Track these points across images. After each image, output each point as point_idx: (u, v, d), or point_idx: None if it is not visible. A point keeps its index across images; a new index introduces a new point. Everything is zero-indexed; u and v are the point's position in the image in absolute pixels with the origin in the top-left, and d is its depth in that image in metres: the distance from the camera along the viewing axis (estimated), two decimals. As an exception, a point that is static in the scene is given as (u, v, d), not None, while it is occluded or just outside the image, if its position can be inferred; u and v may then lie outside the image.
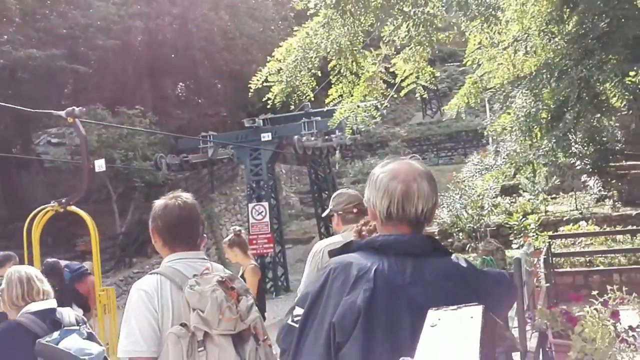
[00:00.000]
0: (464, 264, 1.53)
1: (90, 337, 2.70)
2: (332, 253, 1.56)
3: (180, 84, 27.39)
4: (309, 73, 6.39)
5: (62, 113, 8.45)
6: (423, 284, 1.42)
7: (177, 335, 1.97)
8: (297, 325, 1.44)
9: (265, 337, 2.18)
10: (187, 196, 2.31)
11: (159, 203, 2.33)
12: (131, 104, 19.60)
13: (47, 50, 18.75)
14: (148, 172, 18.37)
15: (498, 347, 1.04)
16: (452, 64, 31.53)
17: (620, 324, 3.16)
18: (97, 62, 21.81)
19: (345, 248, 1.56)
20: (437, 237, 13.19)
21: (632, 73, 4.47)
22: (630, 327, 3.21)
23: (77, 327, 2.68)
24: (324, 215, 3.61)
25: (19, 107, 12.04)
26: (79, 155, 17.10)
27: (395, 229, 1.52)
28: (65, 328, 2.63)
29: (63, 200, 7.44)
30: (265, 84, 6.42)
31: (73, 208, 7.77)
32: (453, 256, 1.55)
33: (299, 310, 1.47)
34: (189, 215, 2.26)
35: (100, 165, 11.26)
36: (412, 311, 1.36)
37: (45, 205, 7.42)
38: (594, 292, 3.36)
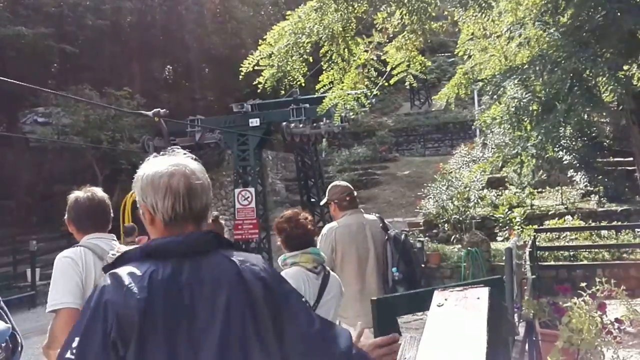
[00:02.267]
0: (253, 260, 1.49)
1: None
2: (106, 268, 1.45)
3: (169, 66, 27.02)
4: (301, 58, 6.33)
5: (150, 113, 10.59)
6: (201, 285, 1.37)
7: None
8: (73, 357, 1.30)
9: None
10: (96, 190, 2.76)
11: (71, 197, 2.74)
12: (119, 85, 19.31)
13: (36, 29, 18.36)
14: (135, 154, 18.16)
15: (503, 329, 1.02)
16: (441, 55, 31.50)
17: (607, 316, 3.19)
18: (86, 42, 21.40)
19: (119, 260, 1.45)
20: (422, 228, 13.23)
21: (625, 67, 4.48)
22: (617, 320, 3.25)
23: None
24: (322, 203, 4.12)
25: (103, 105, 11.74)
26: (65, 135, 16.85)
27: (182, 228, 1.46)
28: None
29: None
30: (256, 67, 6.34)
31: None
32: (237, 253, 1.49)
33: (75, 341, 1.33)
34: (97, 205, 2.70)
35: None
36: (189, 316, 1.34)
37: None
38: (583, 284, 3.38)
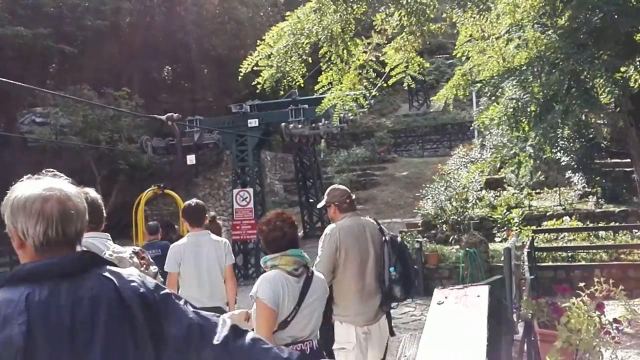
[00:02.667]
0: (130, 275, 1.48)
1: None
2: None
3: (167, 67, 27.02)
4: (300, 59, 6.34)
5: (163, 117, 11.25)
6: (80, 305, 1.36)
7: None
8: None
9: None
10: (89, 190, 2.67)
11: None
12: (117, 86, 19.31)
13: (34, 29, 18.34)
14: (133, 154, 18.15)
15: (503, 327, 1.03)
16: (440, 56, 31.56)
17: (605, 316, 3.20)
18: (84, 42, 21.39)
19: None
20: (420, 229, 13.22)
21: (622, 69, 4.50)
22: (615, 320, 3.26)
23: None
24: (319, 206, 4.16)
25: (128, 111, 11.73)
26: (63, 135, 16.84)
27: (54, 253, 1.41)
28: None
29: (162, 185, 9.97)
30: (255, 68, 6.35)
31: (169, 191, 10.86)
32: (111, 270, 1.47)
33: None
34: (90, 205, 2.63)
35: (191, 159, 15.62)
36: (70, 336, 1.33)
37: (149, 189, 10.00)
38: (581, 284, 3.39)
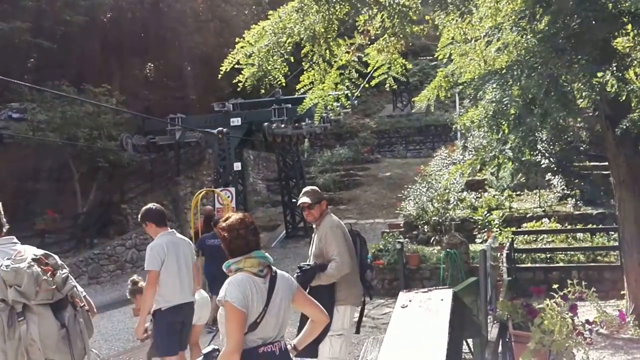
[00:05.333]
0: None
1: None
2: None
3: (149, 64, 26.75)
4: (282, 58, 6.31)
5: (215, 131, 13.12)
6: None
7: None
8: None
9: (83, 304, 2.58)
10: None
11: None
12: (97, 82, 19.01)
13: (12, 23, 18.00)
14: (113, 152, 17.90)
15: (465, 330, 1.02)
16: (424, 58, 31.72)
17: (578, 317, 3.24)
18: (63, 37, 21.02)
19: None
20: (402, 230, 13.29)
21: (599, 74, 4.56)
22: (587, 321, 3.30)
23: None
24: (297, 204, 4.48)
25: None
26: (41, 132, 16.52)
27: None
28: None
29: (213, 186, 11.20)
30: (237, 66, 6.30)
31: (217, 190, 12.81)
32: None
33: None
34: None
35: (237, 166, 16.38)
36: None
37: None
38: (556, 286, 3.43)
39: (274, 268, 2.82)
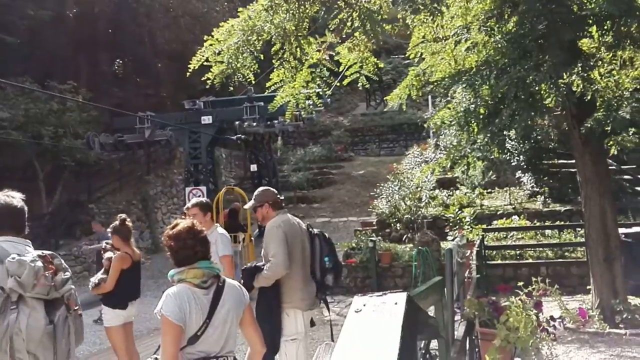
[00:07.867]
0: None
1: None
2: None
3: (118, 60, 26.19)
4: (252, 55, 6.23)
5: (234, 137, 13.81)
6: None
7: None
8: None
9: (77, 307, 2.62)
10: (15, 194, 2.68)
11: None
12: (63, 79, 18.51)
13: (-29, 17, 17.41)
14: (79, 150, 17.48)
15: (421, 334, 1.00)
16: (397, 56, 31.91)
17: (543, 314, 3.28)
18: (27, 32, 20.39)
19: None
20: (375, 228, 13.35)
21: (565, 75, 4.63)
22: (552, 317, 3.34)
23: None
24: (248, 206, 4.35)
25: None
26: (3, 130, 15.99)
27: None
28: None
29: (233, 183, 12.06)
30: (206, 64, 6.20)
31: (237, 189, 14.17)
32: None
33: None
34: (15, 208, 2.63)
35: (254, 167, 18.37)
36: None
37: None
38: (520, 284, 3.46)
39: (222, 277, 2.69)
